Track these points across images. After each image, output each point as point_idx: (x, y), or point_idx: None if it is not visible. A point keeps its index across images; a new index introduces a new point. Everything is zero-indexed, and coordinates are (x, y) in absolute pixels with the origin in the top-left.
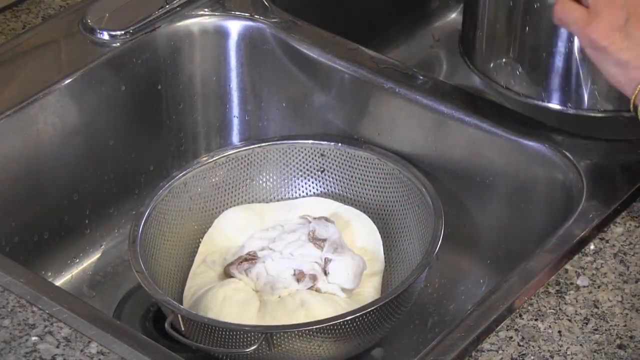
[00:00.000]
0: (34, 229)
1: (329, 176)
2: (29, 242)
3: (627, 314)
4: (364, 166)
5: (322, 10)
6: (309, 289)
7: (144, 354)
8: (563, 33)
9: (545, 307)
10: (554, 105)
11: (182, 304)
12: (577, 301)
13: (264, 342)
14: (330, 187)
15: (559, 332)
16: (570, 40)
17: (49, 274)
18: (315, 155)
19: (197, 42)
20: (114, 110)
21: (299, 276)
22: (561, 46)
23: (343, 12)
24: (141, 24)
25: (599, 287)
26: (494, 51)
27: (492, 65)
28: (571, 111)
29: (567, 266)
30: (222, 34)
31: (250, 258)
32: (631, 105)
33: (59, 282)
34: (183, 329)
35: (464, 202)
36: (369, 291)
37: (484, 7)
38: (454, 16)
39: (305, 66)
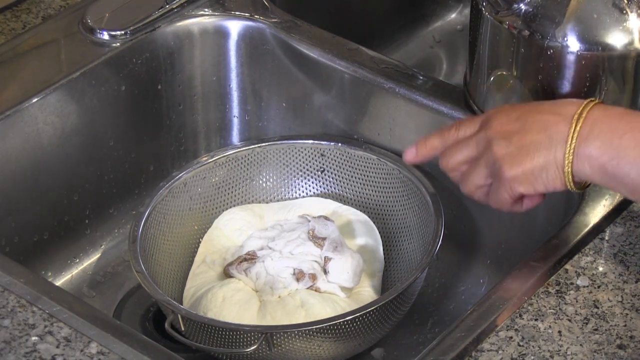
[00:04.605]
0: (34, 229)
1: (329, 176)
2: (29, 242)
3: (627, 314)
4: (364, 166)
5: (322, 10)
6: (308, 288)
7: (144, 354)
8: (566, 78)
9: (545, 307)
10: None
11: (182, 304)
12: (577, 301)
13: (264, 342)
14: (330, 187)
15: (559, 332)
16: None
17: (49, 274)
18: (315, 155)
19: (197, 42)
20: (114, 110)
21: (299, 275)
22: (563, 91)
23: (343, 12)
24: (141, 24)
25: (599, 287)
26: (498, 97)
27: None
28: None
29: (567, 266)
30: (222, 34)
31: (250, 258)
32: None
33: (59, 282)
34: (183, 329)
35: (464, 202)
36: (369, 291)
37: (484, 54)
38: (454, 16)
39: (305, 66)
